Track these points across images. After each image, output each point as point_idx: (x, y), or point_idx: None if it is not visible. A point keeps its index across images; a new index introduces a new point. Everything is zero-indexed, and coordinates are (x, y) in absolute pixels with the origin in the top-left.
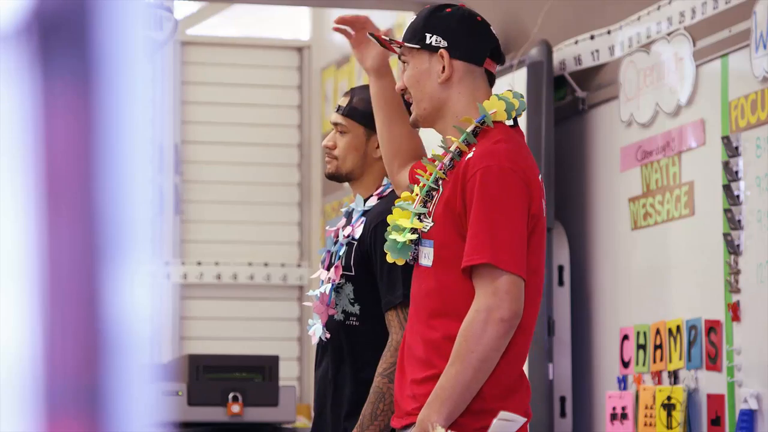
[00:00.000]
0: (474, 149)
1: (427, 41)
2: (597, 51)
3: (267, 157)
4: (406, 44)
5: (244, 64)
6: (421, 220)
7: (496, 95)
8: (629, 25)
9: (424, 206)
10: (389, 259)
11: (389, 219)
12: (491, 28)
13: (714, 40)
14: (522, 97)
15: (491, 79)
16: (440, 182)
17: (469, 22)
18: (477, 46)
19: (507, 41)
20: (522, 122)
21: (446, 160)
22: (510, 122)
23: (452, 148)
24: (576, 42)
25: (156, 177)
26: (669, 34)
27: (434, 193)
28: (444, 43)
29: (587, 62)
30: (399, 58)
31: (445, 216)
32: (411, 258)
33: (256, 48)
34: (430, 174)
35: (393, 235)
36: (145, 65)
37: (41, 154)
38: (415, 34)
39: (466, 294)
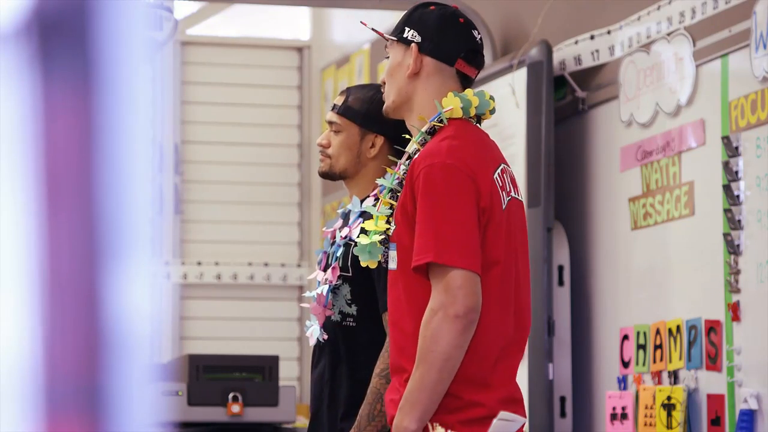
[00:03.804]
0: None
1: (404, 35)
2: (597, 51)
3: (267, 157)
4: (386, 35)
5: (244, 64)
6: (388, 223)
7: (453, 92)
8: (629, 25)
9: (390, 208)
10: (361, 263)
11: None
12: (474, 31)
13: (714, 40)
14: (492, 99)
15: (467, 82)
16: (402, 183)
17: (449, 21)
18: (449, 45)
19: (507, 41)
20: (522, 122)
21: (404, 161)
22: (473, 121)
23: (409, 149)
24: (576, 42)
25: (156, 177)
26: (669, 34)
27: (398, 194)
28: (418, 38)
29: (587, 62)
30: (385, 48)
31: (401, 218)
32: (383, 261)
33: (256, 48)
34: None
35: (360, 239)
36: (145, 65)
37: (41, 154)
38: (398, 27)
39: (429, 294)
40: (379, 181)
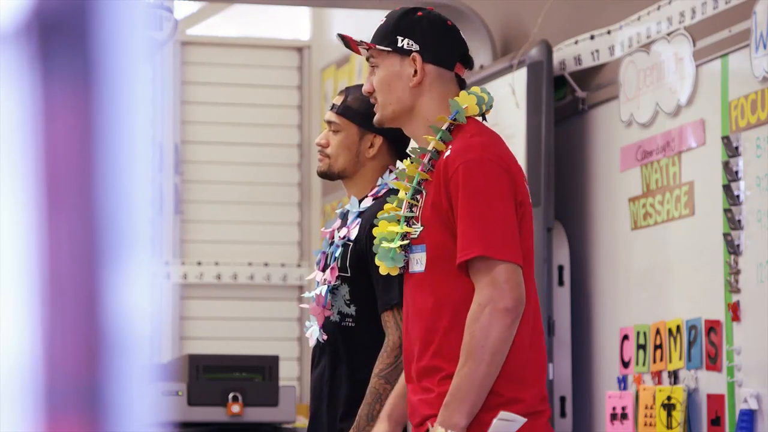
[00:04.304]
0: (450, 147)
1: (399, 44)
2: (597, 51)
3: (267, 157)
4: (377, 47)
5: (244, 64)
6: (410, 225)
7: (465, 91)
8: (629, 25)
9: (411, 210)
10: (383, 270)
11: (375, 232)
12: (460, 32)
13: (714, 40)
14: (489, 93)
15: (462, 84)
16: (422, 184)
17: (440, 27)
18: (448, 51)
19: (507, 41)
20: (522, 122)
21: (426, 161)
22: (479, 118)
23: (430, 148)
24: (576, 42)
25: (156, 177)
26: (669, 34)
27: (419, 196)
28: (416, 47)
29: (587, 62)
30: (367, 60)
31: (433, 218)
32: (401, 266)
33: (256, 48)
34: (412, 177)
35: (384, 244)
36: (145, 65)
37: (41, 154)
38: (386, 36)
39: (465, 294)
40: (394, 183)
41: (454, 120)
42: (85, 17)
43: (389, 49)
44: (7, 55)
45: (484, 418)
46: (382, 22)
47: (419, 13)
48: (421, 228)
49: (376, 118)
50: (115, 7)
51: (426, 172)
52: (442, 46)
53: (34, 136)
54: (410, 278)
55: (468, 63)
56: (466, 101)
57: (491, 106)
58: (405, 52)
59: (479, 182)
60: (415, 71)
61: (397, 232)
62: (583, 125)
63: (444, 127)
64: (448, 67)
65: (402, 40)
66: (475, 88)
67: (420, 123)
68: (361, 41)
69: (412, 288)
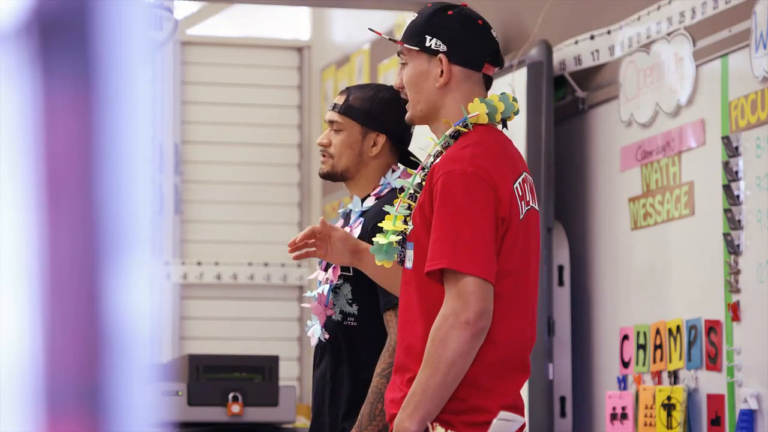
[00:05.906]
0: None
1: (427, 44)
2: (597, 51)
3: (267, 157)
4: (405, 45)
5: (244, 64)
6: (405, 223)
7: (479, 98)
8: (629, 25)
9: (408, 209)
10: (376, 261)
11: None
12: (492, 31)
13: (714, 40)
14: (515, 100)
15: (489, 82)
16: (421, 185)
17: (471, 27)
18: (476, 52)
19: (507, 41)
20: (522, 122)
21: (426, 163)
22: (499, 126)
23: (432, 151)
24: (576, 42)
25: (156, 177)
26: (669, 34)
27: (417, 195)
28: (443, 48)
29: (587, 62)
30: (398, 55)
31: (420, 219)
32: (399, 260)
33: (256, 48)
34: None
35: (377, 237)
36: (145, 65)
37: (41, 154)
38: (415, 34)
39: (441, 299)
40: (398, 182)
41: (465, 126)
42: (85, 17)
43: (417, 48)
44: (8, 55)
45: (450, 419)
46: (413, 19)
47: (450, 12)
48: (411, 227)
49: (407, 115)
50: (115, 7)
51: (423, 174)
52: (471, 47)
53: (34, 136)
54: (404, 272)
55: (497, 62)
56: (476, 109)
57: (516, 112)
58: (432, 52)
59: (458, 194)
60: (442, 72)
61: (388, 230)
62: (583, 125)
63: (448, 133)
64: (476, 68)
65: (430, 40)
66: (493, 96)
67: (443, 123)
68: (390, 38)
69: (403, 282)
